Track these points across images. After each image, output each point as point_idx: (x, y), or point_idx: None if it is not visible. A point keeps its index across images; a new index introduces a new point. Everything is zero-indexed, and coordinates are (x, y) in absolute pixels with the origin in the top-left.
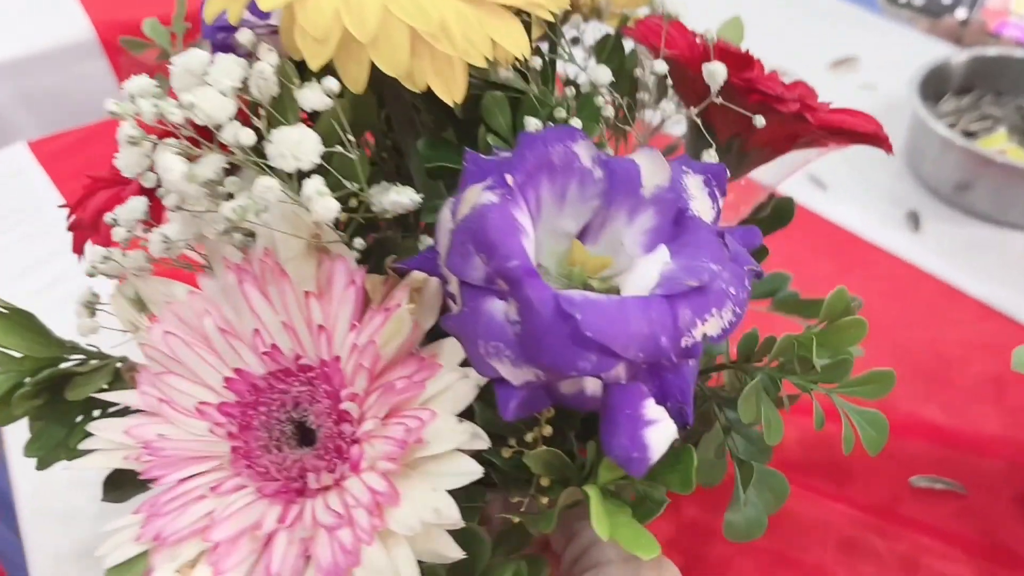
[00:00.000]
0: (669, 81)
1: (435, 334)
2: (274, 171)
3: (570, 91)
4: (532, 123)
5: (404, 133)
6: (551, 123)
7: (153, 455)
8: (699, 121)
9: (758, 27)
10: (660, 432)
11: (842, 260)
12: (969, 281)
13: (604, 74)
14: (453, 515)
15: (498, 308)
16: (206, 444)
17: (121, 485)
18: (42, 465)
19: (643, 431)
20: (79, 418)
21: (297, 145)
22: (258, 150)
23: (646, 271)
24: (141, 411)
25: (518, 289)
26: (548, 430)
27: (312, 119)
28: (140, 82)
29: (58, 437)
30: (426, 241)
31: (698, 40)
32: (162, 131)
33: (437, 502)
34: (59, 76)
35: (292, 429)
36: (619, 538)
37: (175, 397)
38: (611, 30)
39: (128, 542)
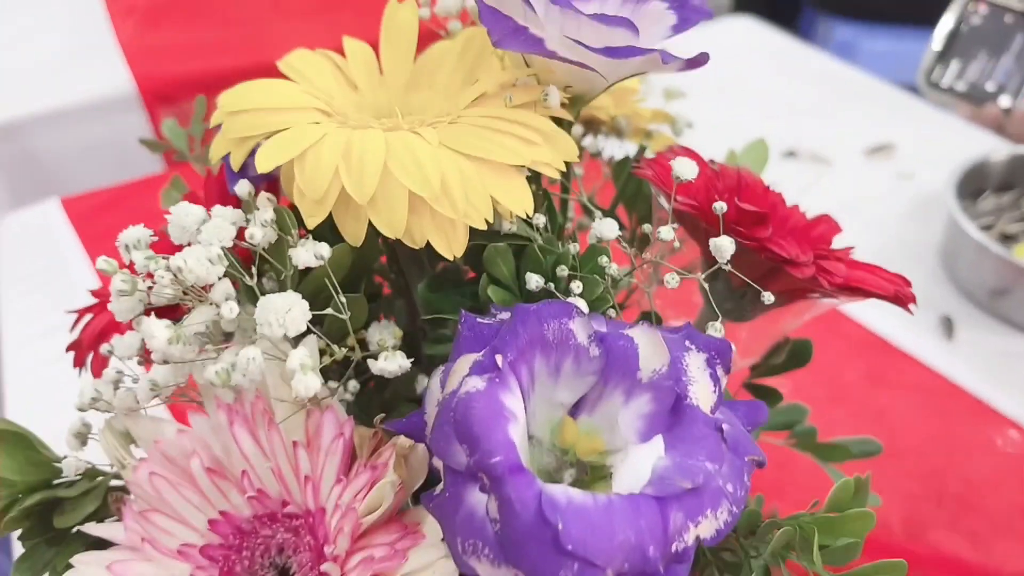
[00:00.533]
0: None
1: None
2: None
3: (574, 248)
4: (533, 280)
5: (409, 268)
6: (551, 283)
7: None
8: (706, 287)
9: (796, 108)
10: None
11: (873, 366)
12: (1003, 397)
13: (610, 229)
14: None
15: (479, 500)
16: None
17: None
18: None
19: None
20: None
21: (284, 314)
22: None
23: (639, 464)
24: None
25: (499, 487)
26: None
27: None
28: (135, 232)
29: (46, 558)
30: (424, 383)
31: (715, 173)
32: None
33: None
34: (97, 128)
35: (275, 575)
36: None
37: (158, 536)
38: (631, 148)
39: None
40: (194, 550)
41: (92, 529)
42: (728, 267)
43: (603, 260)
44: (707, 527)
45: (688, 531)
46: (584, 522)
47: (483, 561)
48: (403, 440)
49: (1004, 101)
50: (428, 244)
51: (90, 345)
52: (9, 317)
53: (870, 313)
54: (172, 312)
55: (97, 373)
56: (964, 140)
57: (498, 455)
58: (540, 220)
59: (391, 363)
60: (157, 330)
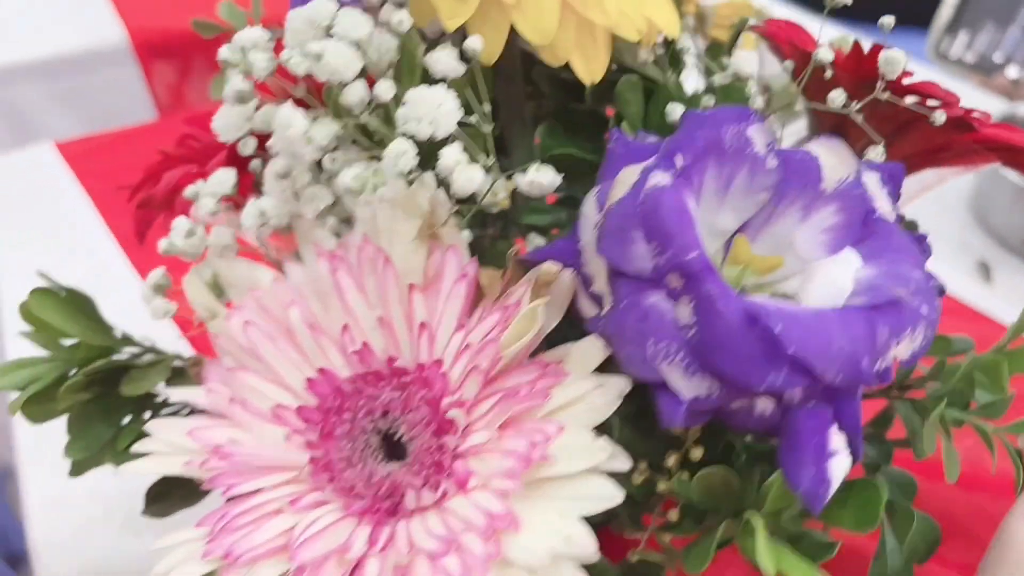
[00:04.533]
0: (797, 86)
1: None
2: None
3: (712, 80)
4: (677, 109)
5: (512, 121)
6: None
7: (225, 460)
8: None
9: None
10: (839, 465)
11: None
12: None
13: (748, 63)
14: (588, 545)
15: (664, 307)
16: (281, 452)
17: (166, 497)
18: (79, 470)
19: (826, 462)
20: (127, 419)
21: (437, 108)
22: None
23: (835, 277)
24: (205, 413)
25: (697, 286)
26: (698, 453)
27: None
28: (252, 34)
29: (104, 438)
30: (535, 240)
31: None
32: (269, 91)
33: (568, 529)
34: (89, 80)
35: (378, 441)
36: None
37: (249, 397)
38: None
39: (191, 560)
40: (289, 412)
41: (170, 393)
42: (885, 96)
43: (749, 89)
44: (905, 347)
45: (891, 348)
46: (801, 326)
47: (675, 369)
48: (548, 265)
49: (1012, 72)
50: (550, 90)
51: (165, 199)
52: (7, 254)
53: None
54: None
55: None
56: (980, 103)
57: (694, 250)
58: (687, 44)
59: (544, 175)
60: (295, 119)
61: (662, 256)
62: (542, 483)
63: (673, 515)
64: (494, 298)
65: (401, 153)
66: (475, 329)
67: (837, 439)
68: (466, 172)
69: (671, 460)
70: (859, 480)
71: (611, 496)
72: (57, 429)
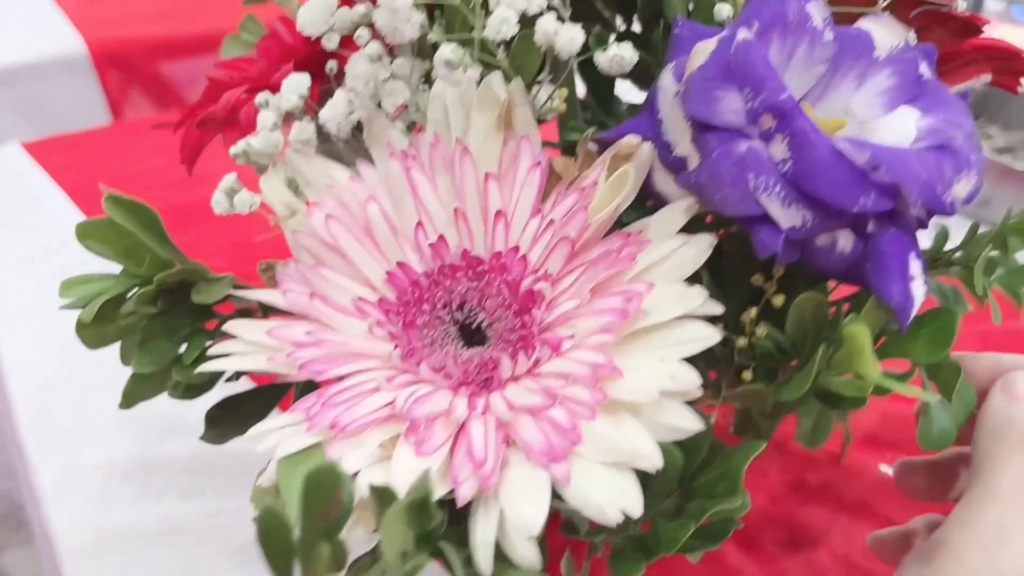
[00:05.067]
0: None
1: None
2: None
3: None
4: (724, 9)
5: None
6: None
7: (315, 348)
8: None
9: None
10: (919, 288)
11: None
12: None
13: None
14: (692, 381)
15: (759, 147)
16: (366, 342)
17: (221, 423)
18: (131, 399)
19: (910, 283)
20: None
21: None
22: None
23: (899, 128)
24: (281, 314)
25: (791, 122)
26: (780, 300)
27: None
28: None
29: (169, 355)
30: None
31: None
32: None
33: (671, 369)
34: (46, 88)
35: (456, 331)
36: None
37: (330, 292)
38: None
39: (297, 435)
40: (371, 305)
41: (247, 294)
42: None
43: None
44: (963, 187)
45: (954, 185)
46: (886, 152)
47: (774, 199)
48: (629, 138)
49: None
50: None
51: (227, 116)
52: None
53: None
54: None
55: (233, 140)
56: None
57: (784, 91)
58: None
59: (625, 49)
60: None
61: (756, 99)
62: (637, 336)
63: (747, 375)
64: (568, 182)
65: (503, 20)
66: (553, 211)
67: (915, 265)
68: (569, 32)
69: (752, 312)
70: (930, 311)
71: (708, 336)
72: (61, 406)
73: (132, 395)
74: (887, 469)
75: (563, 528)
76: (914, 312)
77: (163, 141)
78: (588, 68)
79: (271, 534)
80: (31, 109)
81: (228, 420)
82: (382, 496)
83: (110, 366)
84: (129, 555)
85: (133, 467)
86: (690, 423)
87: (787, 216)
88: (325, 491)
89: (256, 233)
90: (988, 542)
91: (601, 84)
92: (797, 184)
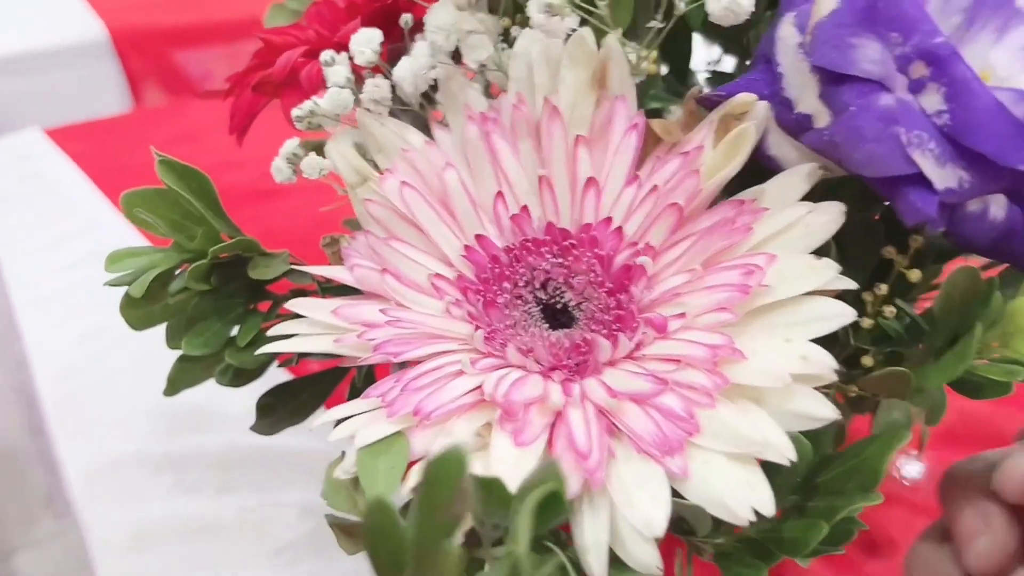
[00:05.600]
0: None
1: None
2: None
3: None
4: None
5: None
6: None
7: (391, 326)
8: None
9: None
10: None
11: None
12: None
13: None
14: (828, 363)
15: (907, 98)
16: (443, 323)
17: (273, 411)
18: (176, 387)
19: None
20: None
21: None
22: None
23: None
24: (342, 295)
25: (949, 69)
26: (916, 275)
27: None
28: None
29: (222, 335)
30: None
31: None
32: None
33: (802, 349)
34: (68, 74)
35: (539, 312)
36: None
37: (403, 268)
38: None
39: (375, 422)
40: (448, 282)
41: (311, 269)
42: None
43: None
44: None
45: None
46: None
47: (927, 156)
48: (744, 96)
49: None
50: None
51: (285, 78)
52: (9, 235)
53: None
54: None
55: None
56: None
57: (940, 35)
58: None
59: None
60: None
61: (907, 44)
62: (757, 315)
63: (867, 360)
64: (668, 146)
65: None
66: (652, 178)
67: None
68: None
69: (881, 289)
70: None
71: (842, 314)
72: (87, 398)
73: (178, 381)
74: None
75: (673, 528)
76: None
77: (185, 128)
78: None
79: (381, 533)
80: (52, 95)
81: (281, 409)
82: (489, 488)
83: (135, 353)
84: (163, 551)
85: (164, 461)
86: (824, 411)
87: (942, 176)
88: (450, 480)
89: (294, 220)
90: None
91: (679, 52)
92: (955, 139)
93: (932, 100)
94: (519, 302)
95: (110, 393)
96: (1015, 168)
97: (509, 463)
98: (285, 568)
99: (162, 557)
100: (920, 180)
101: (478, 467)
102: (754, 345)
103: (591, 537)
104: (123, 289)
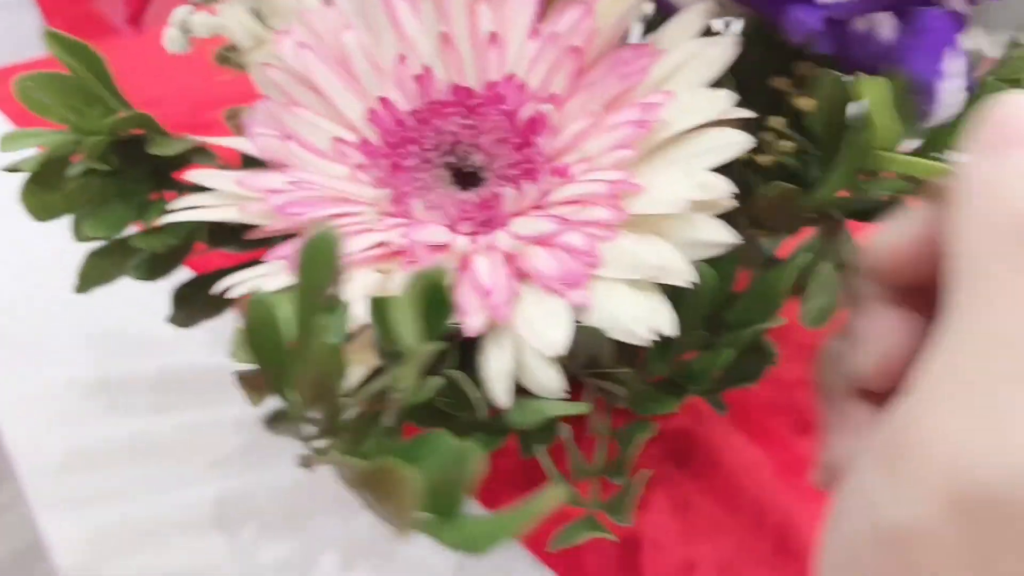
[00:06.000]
0: None
1: None
2: None
3: None
4: None
5: None
6: None
7: (295, 190)
8: None
9: None
10: (956, 88)
11: None
12: None
13: None
14: (724, 188)
15: None
16: (349, 186)
17: (191, 302)
18: (88, 280)
19: (945, 64)
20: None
21: None
22: None
23: None
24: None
25: None
26: (808, 103)
27: None
28: None
29: (127, 219)
30: None
31: None
32: None
33: (699, 177)
34: None
35: (449, 176)
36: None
37: (305, 134)
38: None
39: (279, 275)
40: (351, 147)
41: (212, 140)
42: None
43: None
44: None
45: None
46: None
47: None
48: None
49: None
50: None
51: None
52: None
53: None
54: None
55: None
56: None
57: None
58: None
59: None
60: None
61: None
62: (659, 150)
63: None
64: None
65: None
66: (561, 20)
67: (956, 61)
68: None
69: (773, 121)
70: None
71: (739, 141)
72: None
73: (89, 276)
74: None
75: (582, 366)
76: (942, 109)
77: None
78: None
79: (260, 325)
80: None
81: (197, 299)
82: (385, 302)
83: (64, 284)
84: (97, 472)
85: (98, 386)
86: (724, 235)
87: None
88: (325, 261)
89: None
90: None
91: None
92: None
93: None
94: (428, 166)
95: (41, 323)
96: None
97: None
98: (220, 481)
99: (96, 478)
100: None
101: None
102: (655, 179)
103: (495, 367)
104: None
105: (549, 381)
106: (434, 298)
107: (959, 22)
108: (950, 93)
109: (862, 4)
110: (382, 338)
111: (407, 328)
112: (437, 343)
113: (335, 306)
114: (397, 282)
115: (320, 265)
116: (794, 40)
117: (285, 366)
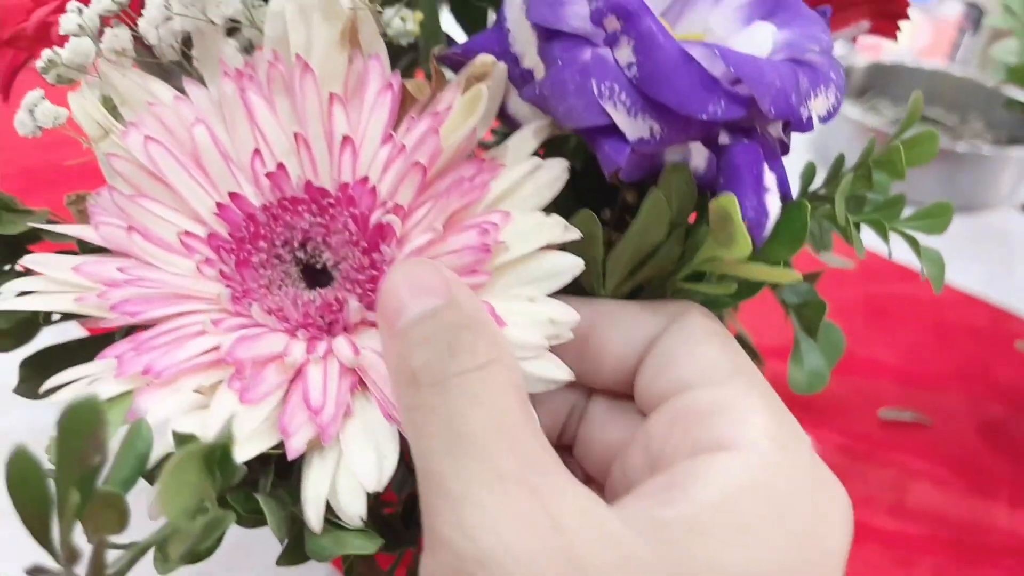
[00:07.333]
0: None
1: None
2: None
3: None
4: None
5: None
6: None
7: (130, 287)
8: None
9: None
10: (774, 202)
11: None
12: None
13: None
14: (572, 318)
15: (604, 53)
16: (192, 283)
17: (38, 375)
18: None
19: (764, 196)
20: None
21: None
22: None
23: (753, 40)
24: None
25: (636, 24)
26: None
27: None
28: None
29: None
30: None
31: None
32: None
33: (548, 311)
34: None
35: (298, 272)
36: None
37: (151, 226)
38: None
39: (105, 382)
40: (199, 240)
41: (56, 228)
42: None
43: None
44: (822, 103)
45: (811, 99)
46: (736, 55)
47: (619, 108)
48: (483, 57)
49: None
50: None
51: (37, 33)
52: None
53: None
54: None
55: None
56: None
57: None
58: None
59: None
60: None
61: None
62: (500, 272)
63: None
64: (422, 107)
65: None
66: (405, 137)
67: (769, 177)
68: None
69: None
70: (783, 210)
71: (572, 266)
72: None
73: None
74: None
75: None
76: (770, 223)
77: None
78: None
79: (23, 483)
80: None
81: (45, 373)
82: (183, 444)
83: None
84: None
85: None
86: (561, 374)
87: (634, 127)
88: (84, 428)
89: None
90: None
91: (472, 14)
92: (643, 90)
93: (624, 53)
94: (276, 261)
95: None
96: (698, 118)
97: (222, 419)
98: None
99: None
100: (614, 130)
101: (194, 425)
102: (503, 306)
103: (312, 491)
104: None
105: (354, 509)
106: (220, 459)
107: (771, 151)
108: (768, 211)
109: (668, 139)
110: (151, 506)
111: (172, 500)
112: (213, 514)
113: (90, 484)
114: (216, 408)
115: (77, 435)
116: (605, 171)
117: (48, 524)
